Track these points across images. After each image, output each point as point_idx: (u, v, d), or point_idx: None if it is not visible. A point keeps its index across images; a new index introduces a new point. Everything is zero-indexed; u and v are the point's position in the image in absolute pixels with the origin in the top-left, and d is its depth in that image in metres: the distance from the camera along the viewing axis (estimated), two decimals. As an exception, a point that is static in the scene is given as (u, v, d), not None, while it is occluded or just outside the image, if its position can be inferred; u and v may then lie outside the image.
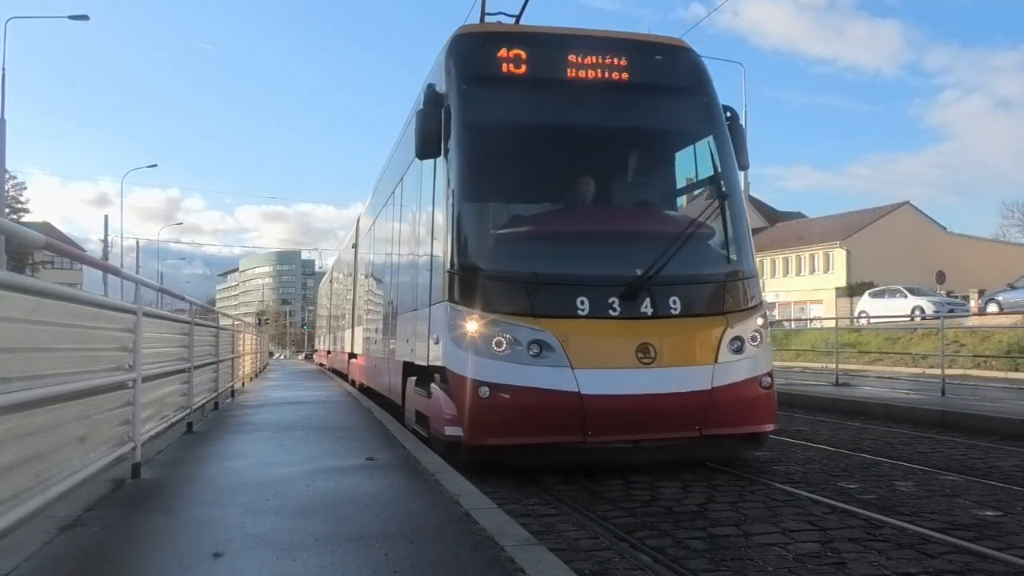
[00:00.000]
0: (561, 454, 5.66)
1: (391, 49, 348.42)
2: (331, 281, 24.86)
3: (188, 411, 7.36)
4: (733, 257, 6.41)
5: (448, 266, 5.98)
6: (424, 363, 6.69)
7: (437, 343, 6.17)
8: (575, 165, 6.78)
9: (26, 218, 55.29)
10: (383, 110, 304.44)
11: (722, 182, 6.56)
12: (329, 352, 24.68)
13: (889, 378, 17.67)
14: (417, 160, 7.07)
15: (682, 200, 7.77)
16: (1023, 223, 55.11)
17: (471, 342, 5.59)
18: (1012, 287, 24.18)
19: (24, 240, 3.28)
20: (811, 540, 4.07)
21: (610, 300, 5.70)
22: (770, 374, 6.06)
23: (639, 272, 5.77)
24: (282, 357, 76.24)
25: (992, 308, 23.69)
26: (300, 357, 77.01)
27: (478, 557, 3.19)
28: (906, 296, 28.92)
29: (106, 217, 41.31)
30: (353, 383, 15.96)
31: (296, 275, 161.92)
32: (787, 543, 4.02)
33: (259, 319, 74.60)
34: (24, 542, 3.26)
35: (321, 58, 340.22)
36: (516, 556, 3.15)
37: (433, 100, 6.27)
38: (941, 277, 34.27)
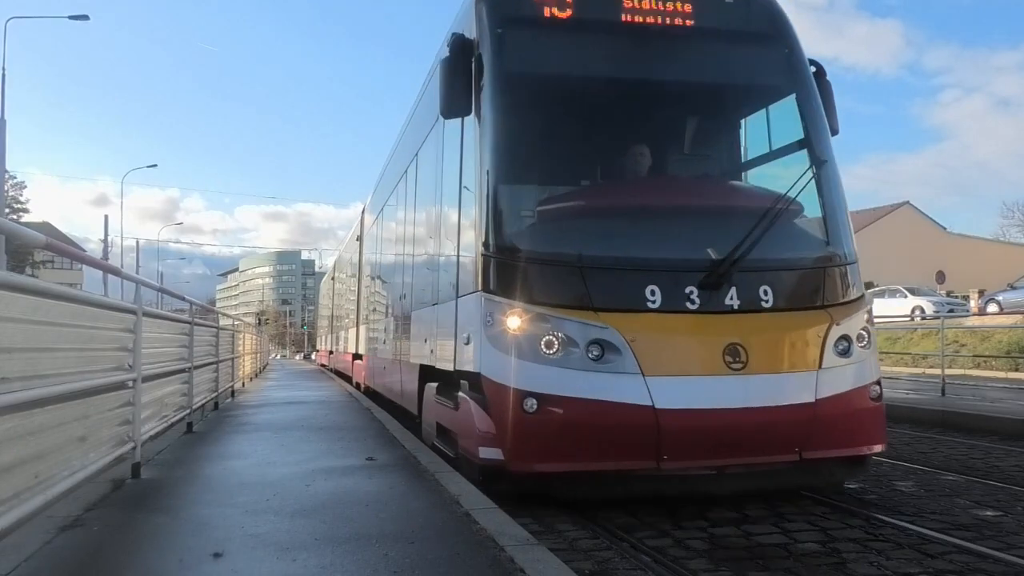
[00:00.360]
0: (627, 485, 4.65)
1: (391, 46, 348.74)
2: (333, 279, 24.35)
3: (188, 411, 7.36)
4: (831, 238, 5.31)
5: (482, 247, 4.93)
6: (449, 367, 5.66)
7: (467, 343, 5.15)
8: (634, 127, 5.76)
9: (26, 218, 55.25)
10: (383, 109, 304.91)
11: (813, 148, 5.43)
12: (331, 352, 24.24)
13: (889, 378, 17.61)
14: (438, 126, 6.27)
15: (765, 169, 6.25)
16: (1023, 223, 55.10)
17: (513, 342, 4.59)
18: (1012, 287, 24.21)
19: (24, 240, 3.28)
20: (812, 540, 4.07)
21: (687, 290, 4.70)
22: (879, 382, 5.03)
23: (722, 255, 4.77)
24: (278, 357, 76.00)
25: (992, 308, 23.71)
26: (298, 357, 77.01)
27: (478, 557, 3.19)
28: (906, 296, 28.87)
29: (106, 217, 41.26)
30: (358, 386, 15.04)
31: (296, 275, 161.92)
32: (788, 543, 4.02)
33: (259, 319, 74.78)
34: (24, 542, 3.25)
35: (321, 57, 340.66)
36: (516, 556, 3.15)
37: (461, 48, 5.26)
38: (941, 277, 34.28)
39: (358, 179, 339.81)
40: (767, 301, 4.84)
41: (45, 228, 48.55)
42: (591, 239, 4.91)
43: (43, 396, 3.15)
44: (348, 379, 17.52)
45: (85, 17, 28.66)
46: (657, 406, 4.41)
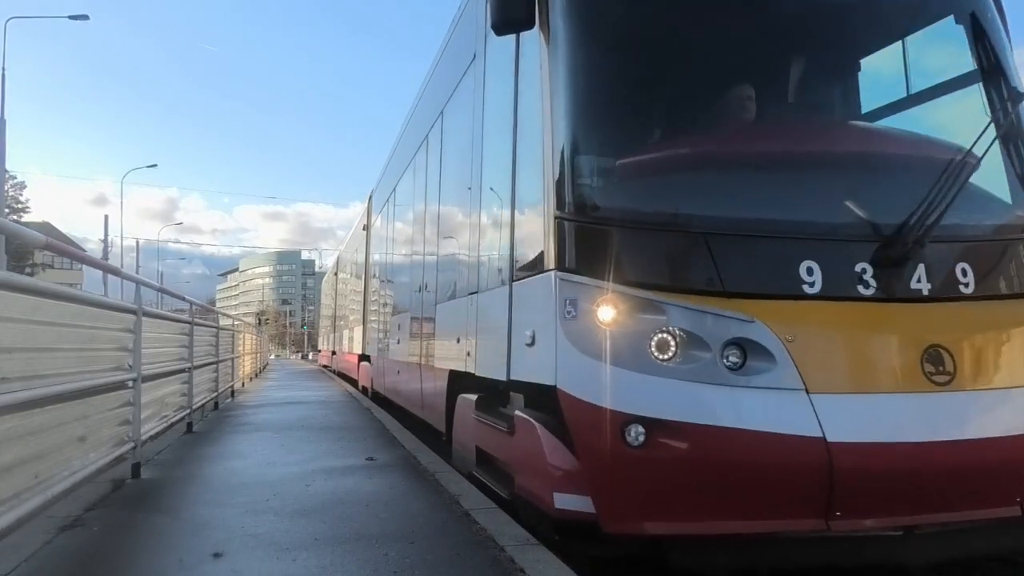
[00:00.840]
0: (782, 551, 3.25)
1: (393, 46, 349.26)
2: (336, 274, 23.29)
3: (188, 411, 7.36)
4: None
5: (555, 208, 3.49)
6: (499, 376, 4.26)
7: (531, 344, 3.77)
8: (767, 47, 4.26)
9: (26, 218, 55.27)
10: (384, 108, 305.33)
11: (1005, 80, 3.92)
12: (334, 353, 23.40)
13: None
14: (476, 65, 5.20)
15: (941, 108, 4.37)
16: (1023, 223, 55.08)
17: (607, 342, 3.22)
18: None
19: (24, 240, 3.29)
20: (811, 540, 4.03)
21: (858, 268, 3.36)
22: None
23: (901, 220, 3.40)
24: (273, 356, 75.73)
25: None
26: (294, 357, 76.91)
27: (478, 557, 3.19)
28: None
29: (106, 217, 41.37)
30: (364, 391, 13.71)
31: (296, 275, 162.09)
32: (787, 543, 3.99)
33: (259, 319, 74.81)
34: (24, 542, 3.26)
35: (322, 56, 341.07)
36: (516, 556, 3.15)
37: None
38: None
39: (358, 179, 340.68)
40: (966, 285, 3.50)
41: (45, 228, 48.56)
42: (719, 195, 3.57)
43: (43, 396, 3.15)
44: (354, 383, 16.46)
45: (85, 17, 28.67)
46: (829, 439, 3.05)
